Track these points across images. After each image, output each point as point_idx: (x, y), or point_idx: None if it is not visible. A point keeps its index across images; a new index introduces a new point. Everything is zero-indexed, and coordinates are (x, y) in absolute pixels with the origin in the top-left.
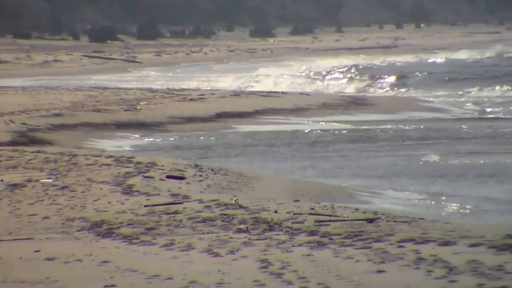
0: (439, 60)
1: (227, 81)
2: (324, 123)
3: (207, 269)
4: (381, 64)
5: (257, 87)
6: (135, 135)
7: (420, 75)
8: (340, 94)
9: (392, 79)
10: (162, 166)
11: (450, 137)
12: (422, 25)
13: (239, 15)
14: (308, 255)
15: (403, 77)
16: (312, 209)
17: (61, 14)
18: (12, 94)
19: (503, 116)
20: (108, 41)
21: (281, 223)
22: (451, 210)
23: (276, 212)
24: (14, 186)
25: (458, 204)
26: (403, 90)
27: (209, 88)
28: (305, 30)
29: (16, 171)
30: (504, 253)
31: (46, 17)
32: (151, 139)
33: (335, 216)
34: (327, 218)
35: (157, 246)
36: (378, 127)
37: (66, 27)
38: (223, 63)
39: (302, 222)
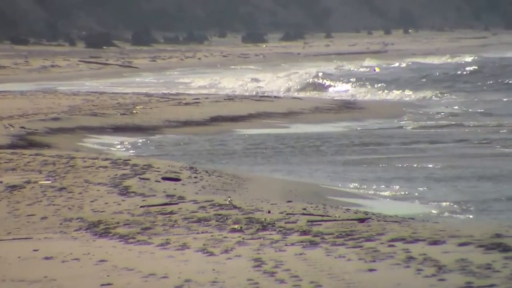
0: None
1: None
2: (317, 126)
3: (202, 268)
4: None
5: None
6: (132, 139)
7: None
8: (332, 98)
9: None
10: (158, 168)
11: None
12: (410, 30)
13: (231, 21)
14: (300, 254)
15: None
16: (305, 209)
17: (57, 21)
18: (11, 98)
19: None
20: (104, 47)
21: (274, 223)
22: (440, 210)
23: (269, 212)
24: (13, 187)
25: (446, 204)
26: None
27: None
28: (296, 36)
29: (15, 173)
30: (492, 252)
31: (43, 23)
32: (147, 142)
33: (327, 216)
34: (319, 218)
35: (153, 246)
36: (370, 130)
37: (62, 33)
38: (216, 68)
39: (295, 222)
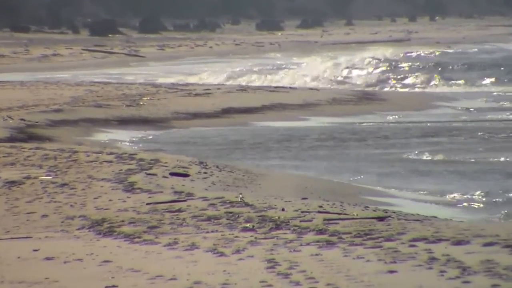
0: None
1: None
2: (335, 118)
3: (212, 269)
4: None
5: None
6: (138, 131)
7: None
8: (350, 89)
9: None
10: (166, 163)
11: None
12: (437, 18)
13: (245, 7)
14: (316, 254)
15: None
16: (321, 207)
17: (61, 7)
18: (10, 89)
19: None
20: (110, 35)
21: (289, 222)
22: (464, 208)
23: (283, 210)
24: (12, 183)
25: (471, 202)
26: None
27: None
28: (314, 23)
29: (14, 168)
30: None
31: (45, 10)
32: (155, 136)
33: (345, 214)
34: (336, 216)
35: (160, 245)
36: (387, 124)
37: (66, 20)
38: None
39: (310, 221)
